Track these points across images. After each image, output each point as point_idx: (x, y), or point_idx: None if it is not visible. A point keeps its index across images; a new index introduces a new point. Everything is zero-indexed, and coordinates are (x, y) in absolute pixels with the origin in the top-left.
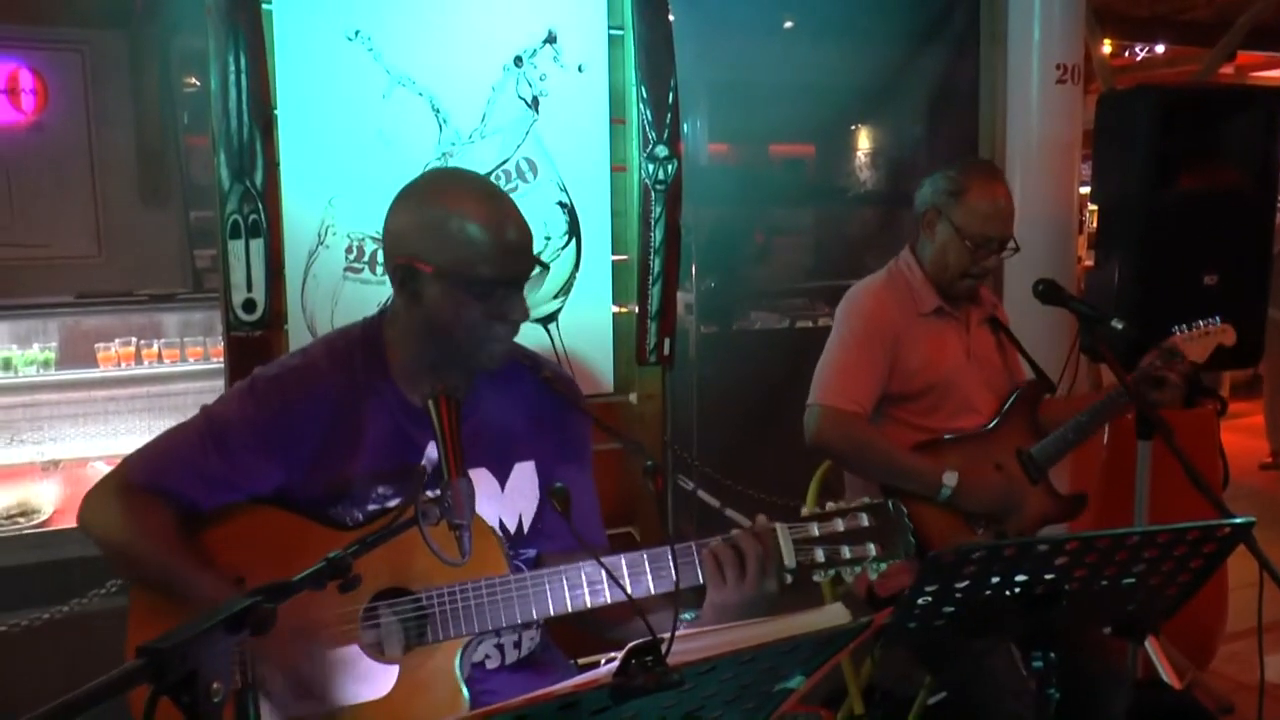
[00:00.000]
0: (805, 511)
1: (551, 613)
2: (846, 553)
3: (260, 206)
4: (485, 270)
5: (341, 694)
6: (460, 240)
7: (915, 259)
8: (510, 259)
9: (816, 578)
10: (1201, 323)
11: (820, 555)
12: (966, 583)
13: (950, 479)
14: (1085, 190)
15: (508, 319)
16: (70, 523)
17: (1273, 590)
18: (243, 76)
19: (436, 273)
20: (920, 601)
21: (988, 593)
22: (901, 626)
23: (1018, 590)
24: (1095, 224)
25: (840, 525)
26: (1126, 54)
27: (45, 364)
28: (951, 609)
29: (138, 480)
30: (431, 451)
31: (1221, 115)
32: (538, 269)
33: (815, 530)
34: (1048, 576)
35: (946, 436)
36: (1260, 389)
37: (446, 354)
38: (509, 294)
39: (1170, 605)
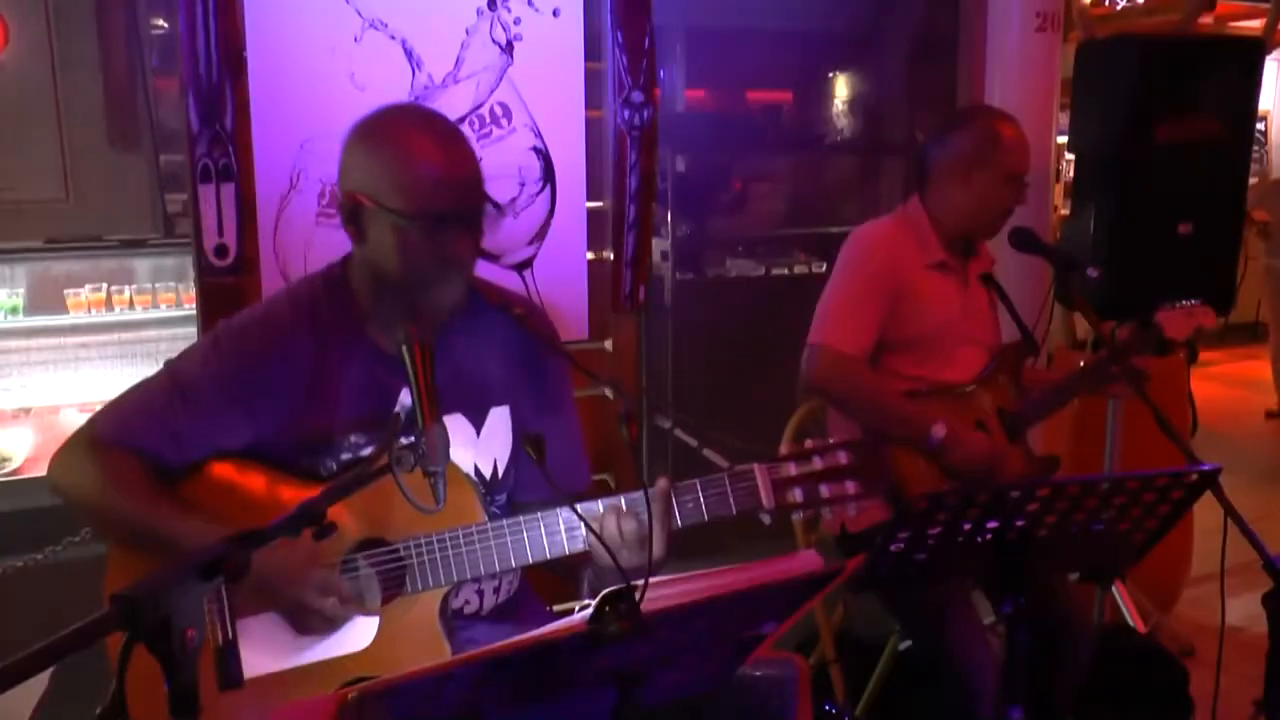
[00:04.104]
0: (783, 450)
1: (530, 560)
2: (824, 491)
3: (231, 150)
4: (427, 204)
5: (320, 644)
6: (402, 173)
7: (924, 210)
8: (454, 192)
9: (795, 517)
10: (1184, 302)
11: (798, 495)
12: (939, 529)
13: (939, 430)
14: (1062, 139)
15: (452, 256)
16: (42, 470)
17: (1235, 535)
18: (211, 18)
19: (380, 208)
20: (893, 548)
21: (960, 539)
22: (874, 573)
23: (989, 537)
24: (1072, 173)
25: (818, 463)
26: (1106, 2)
27: (13, 311)
28: (924, 555)
29: (106, 438)
30: (405, 398)
31: (1200, 65)
32: (492, 210)
33: (793, 469)
34: (1019, 523)
35: (930, 388)
36: (1230, 339)
37: (400, 295)
38: (456, 230)
39: (1138, 550)
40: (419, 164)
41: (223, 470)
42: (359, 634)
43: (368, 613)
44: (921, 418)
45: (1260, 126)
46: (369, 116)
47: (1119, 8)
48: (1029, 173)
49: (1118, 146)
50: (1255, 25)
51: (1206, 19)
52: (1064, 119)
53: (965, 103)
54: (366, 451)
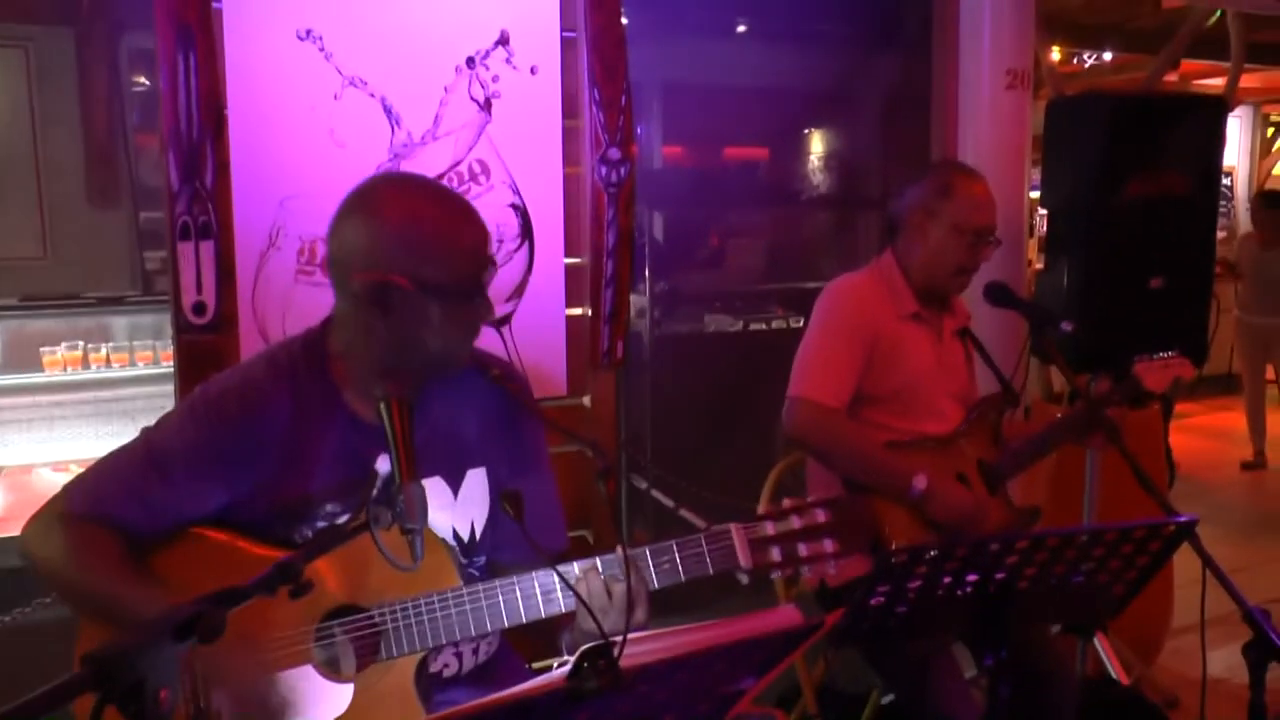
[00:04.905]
0: (761, 509)
1: (506, 624)
2: (802, 550)
3: (210, 208)
4: (465, 279)
5: (295, 712)
6: (438, 252)
7: (896, 263)
8: (481, 261)
9: (774, 576)
10: (1163, 354)
11: (776, 554)
12: (919, 583)
13: (920, 482)
14: (1035, 195)
15: (480, 322)
16: (14, 530)
17: (1215, 586)
18: (193, 76)
19: (418, 288)
20: (873, 602)
21: (940, 592)
22: (854, 627)
23: (970, 590)
24: (1045, 228)
25: (796, 523)
26: (1075, 61)
27: None
28: (904, 609)
29: (79, 509)
30: (381, 466)
31: (1167, 121)
32: (491, 266)
33: (770, 529)
34: (999, 575)
35: (910, 441)
36: (1204, 391)
37: (412, 363)
38: (482, 297)
39: (1118, 602)
40: (457, 239)
41: (194, 541)
42: (334, 701)
43: (342, 680)
44: (903, 469)
45: (1226, 182)
46: (376, 192)
47: (1087, 66)
48: (992, 229)
49: (1089, 202)
50: (1218, 83)
51: (1171, 77)
52: (1036, 175)
53: (938, 159)
54: (342, 519)
